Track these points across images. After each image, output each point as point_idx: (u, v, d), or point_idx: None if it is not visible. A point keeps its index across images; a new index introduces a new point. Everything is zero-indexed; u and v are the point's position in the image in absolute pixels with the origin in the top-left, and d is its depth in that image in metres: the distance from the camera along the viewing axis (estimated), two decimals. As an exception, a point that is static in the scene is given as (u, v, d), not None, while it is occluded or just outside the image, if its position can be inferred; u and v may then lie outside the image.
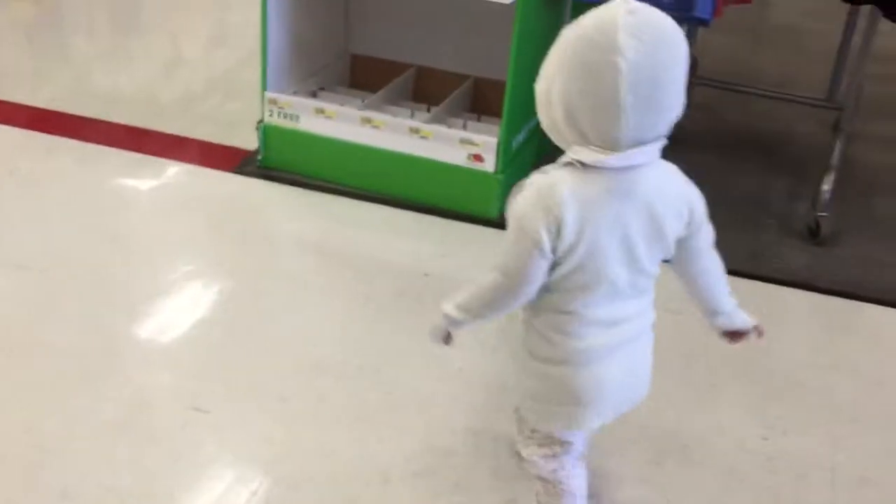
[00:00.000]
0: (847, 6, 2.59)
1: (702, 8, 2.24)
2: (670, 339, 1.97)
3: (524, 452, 1.45)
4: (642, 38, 1.09)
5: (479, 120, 2.68)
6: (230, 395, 1.78)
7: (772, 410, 1.83)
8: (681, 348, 1.96)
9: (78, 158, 2.61)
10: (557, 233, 1.17)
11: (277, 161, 2.60)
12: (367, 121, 2.46)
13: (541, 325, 1.28)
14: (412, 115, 2.62)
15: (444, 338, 1.36)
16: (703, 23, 2.28)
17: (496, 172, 2.39)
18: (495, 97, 2.46)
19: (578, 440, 1.42)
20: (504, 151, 2.36)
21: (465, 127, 2.57)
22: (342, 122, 2.49)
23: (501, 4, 2.23)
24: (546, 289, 1.24)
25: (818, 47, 3.73)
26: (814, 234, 2.39)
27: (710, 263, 1.35)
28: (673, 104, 1.15)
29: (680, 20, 2.31)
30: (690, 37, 2.79)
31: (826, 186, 2.39)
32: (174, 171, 2.59)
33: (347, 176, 2.52)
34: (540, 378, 1.32)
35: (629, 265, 1.22)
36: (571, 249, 1.18)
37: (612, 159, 1.14)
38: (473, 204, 2.43)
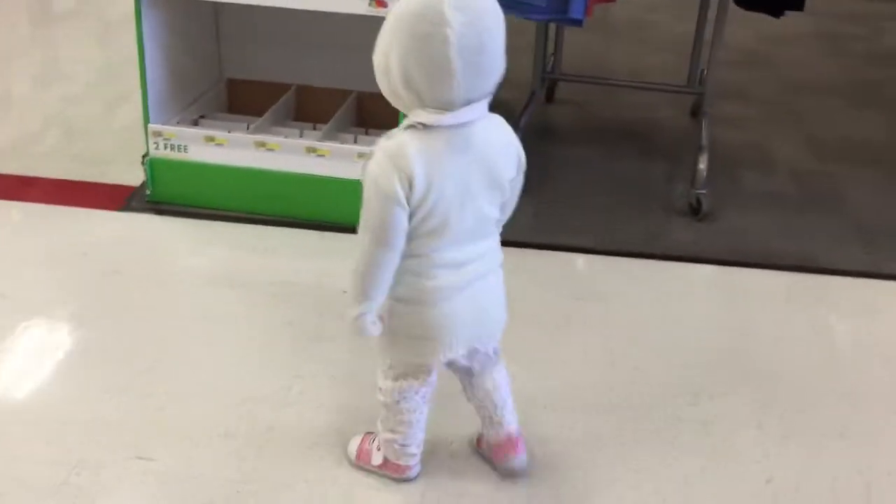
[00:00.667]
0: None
1: (576, 9, 2.36)
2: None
3: (380, 383, 1.58)
4: (465, 11, 1.25)
5: (366, 133, 2.71)
6: (173, 440, 1.73)
7: (696, 379, 1.95)
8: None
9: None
10: (410, 186, 1.31)
11: (167, 194, 2.52)
12: (261, 144, 2.44)
13: (397, 268, 1.40)
14: (301, 135, 2.62)
15: (365, 332, 1.43)
16: (577, 23, 2.40)
17: (396, 183, 2.42)
18: (379, 110, 2.49)
19: (430, 379, 1.56)
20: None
21: (356, 141, 2.59)
22: (234, 148, 2.45)
23: (375, 18, 2.27)
24: None
25: (660, 38, 4.00)
26: (696, 212, 2.57)
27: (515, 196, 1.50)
28: (496, 66, 1.32)
29: (554, 21, 2.45)
30: (557, 37, 2.94)
31: (702, 165, 2.57)
32: (59, 215, 2.47)
33: (243, 202, 2.49)
34: (397, 315, 1.44)
35: (472, 211, 1.38)
36: (423, 200, 1.33)
37: (447, 118, 1.30)
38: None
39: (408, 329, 1.46)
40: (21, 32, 3.93)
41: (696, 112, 3.25)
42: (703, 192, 2.55)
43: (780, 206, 2.68)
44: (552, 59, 3.03)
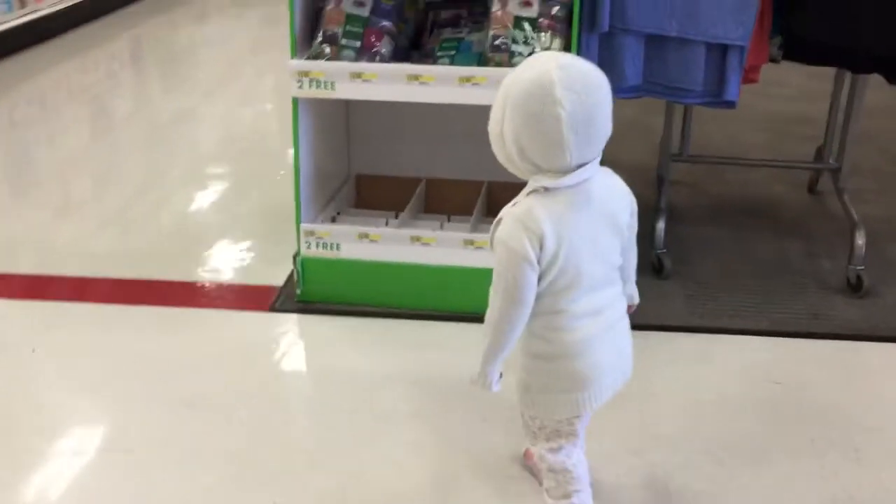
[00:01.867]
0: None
1: (731, 92, 2.36)
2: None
3: (534, 450, 1.63)
4: (575, 89, 1.35)
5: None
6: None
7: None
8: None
9: (96, 322, 2.41)
10: (540, 246, 1.40)
11: (317, 293, 2.49)
12: (416, 239, 2.41)
13: (537, 328, 1.48)
14: (441, 227, 2.60)
15: (491, 388, 1.52)
16: (731, 105, 2.40)
17: (556, 272, 2.39)
18: (509, 198, 2.48)
19: (581, 428, 1.61)
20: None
21: (499, 232, 2.57)
22: (388, 243, 2.42)
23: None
24: (537, 297, 1.45)
25: (752, 117, 4.01)
26: (855, 288, 2.51)
27: (633, 240, 1.61)
28: (605, 132, 1.42)
29: (708, 105, 2.44)
30: (685, 120, 2.94)
31: (860, 241, 2.53)
32: (212, 319, 2.44)
33: (396, 297, 2.44)
34: (544, 374, 1.51)
35: (600, 260, 1.48)
36: (554, 258, 1.41)
37: (566, 180, 1.40)
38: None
39: (559, 384, 1.51)
40: (86, 139, 3.97)
41: (812, 188, 3.24)
42: (862, 268, 2.51)
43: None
44: (680, 141, 3.02)
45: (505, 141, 1.41)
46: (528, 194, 1.43)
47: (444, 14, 2.57)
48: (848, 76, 2.78)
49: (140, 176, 3.48)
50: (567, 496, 1.59)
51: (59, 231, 2.99)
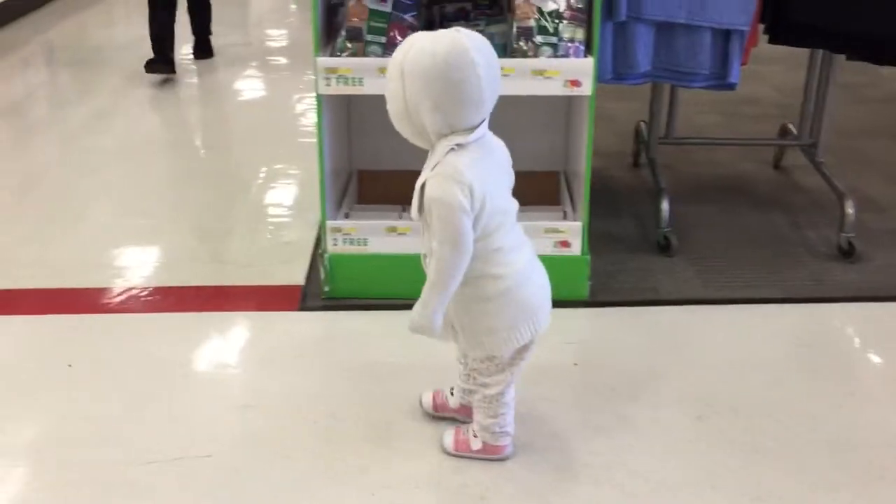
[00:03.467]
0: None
1: (734, 74, 2.50)
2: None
3: (487, 380, 1.80)
4: (483, 52, 1.57)
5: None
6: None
7: None
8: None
9: (132, 333, 2.36)
10: (471, 194, 1.59)
11: (345, 289, 2.49)
12: None
13: (483, 270, 1.67)
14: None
15: (436, 331, 1.68)
16: (732, 87, 2.53)
17: (583, 254, 2.47)
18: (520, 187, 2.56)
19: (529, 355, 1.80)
20: (587, 233, 2.46)
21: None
22: (418, 235, 2.44)
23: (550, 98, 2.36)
24: (475, 241, 1.63)
25: (706, 99, 4.20)
26: (847, 254, 2.70)
27: None
28: (499, 88, 1.64)
29: (711, 87, 2.57)
30: (672, 103, 3.06)
31: (850, 210, 2.71)
32: (247, 321, 2.42)
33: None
34: (497, 310, 1.70)
35: (510, 199, 1.71)
36: (482, 202, 1.60)
37: (474, 135, 1.61)
38: (563, 288, 2.47)
39: (508, 319, 1.70)
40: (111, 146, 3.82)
41: (777, 164, 3.44)
42: (853, 235, 2.70)
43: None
44: (665, 124, 3.13)
45: (411, 113, 1.58)
46: (445, 154, 1.59)
47: (449, 8, 2.61)
48: (821, 54, 2.97)
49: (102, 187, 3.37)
50: (494, 416, 1.82)
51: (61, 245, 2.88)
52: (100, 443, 1.93)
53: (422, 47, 1.56)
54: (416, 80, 1.56)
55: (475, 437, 1.87)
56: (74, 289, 2.59)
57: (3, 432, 1.96)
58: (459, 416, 1.97)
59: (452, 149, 1.59)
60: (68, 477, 1.83)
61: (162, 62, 4.49)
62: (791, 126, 3.36)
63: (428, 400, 2.01)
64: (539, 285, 1.76)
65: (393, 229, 2.46)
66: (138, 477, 1.83)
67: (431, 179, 1.60)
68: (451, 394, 2.00)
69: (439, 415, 1.99)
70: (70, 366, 2.19)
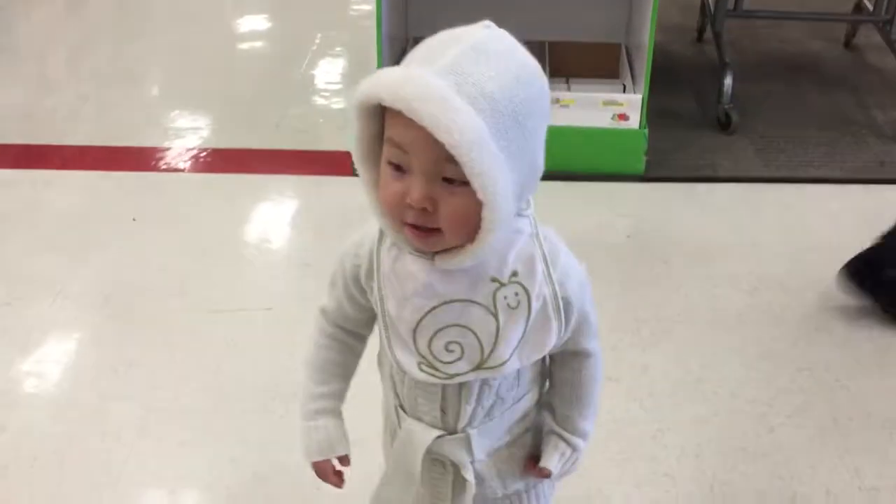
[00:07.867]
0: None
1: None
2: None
3: None
4: None
5: (567, 83, 2.68)
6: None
7: None
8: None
9: (191, 190, 2.41)
10: None
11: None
12: (555, 101, 2.39)
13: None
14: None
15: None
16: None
17: (641, 128, 2.44)
18: (570, 58, 2.49)
19: None
20: (646, 107, 2.42)
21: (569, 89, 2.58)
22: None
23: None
24: None
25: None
26: (918, 136, 2.63)
27: None
28: None
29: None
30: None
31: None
32: (304, 185, 2.45)
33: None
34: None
35: None
36: None
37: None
38: (619, 162, 2.47)
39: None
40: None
41: (848, 42, 3.31)
42: (924, 115, 2.62)
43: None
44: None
45: (525, 183, 0.86)
46: (536, 236, 0.94)
47: None
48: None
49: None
50: None
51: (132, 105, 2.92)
52: (165, 291, 2.01)
53: (520, 65, 0.86)
54: (537, 119, 0.85)
55: None
56: (135, 146, 2.64)
57: (77, 277, 2.05)
58: None
59: (535, 230, 0.95)
60: (135, 319, 1.92)
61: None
62: (867, 1, 3.22)
63: None
64: None
65: (449, 97, 2.43)
66: (201, 324, 1.91)
67: (561, 258, 0.95)
68: None
69: None
70: (134, 220, 2.26)
